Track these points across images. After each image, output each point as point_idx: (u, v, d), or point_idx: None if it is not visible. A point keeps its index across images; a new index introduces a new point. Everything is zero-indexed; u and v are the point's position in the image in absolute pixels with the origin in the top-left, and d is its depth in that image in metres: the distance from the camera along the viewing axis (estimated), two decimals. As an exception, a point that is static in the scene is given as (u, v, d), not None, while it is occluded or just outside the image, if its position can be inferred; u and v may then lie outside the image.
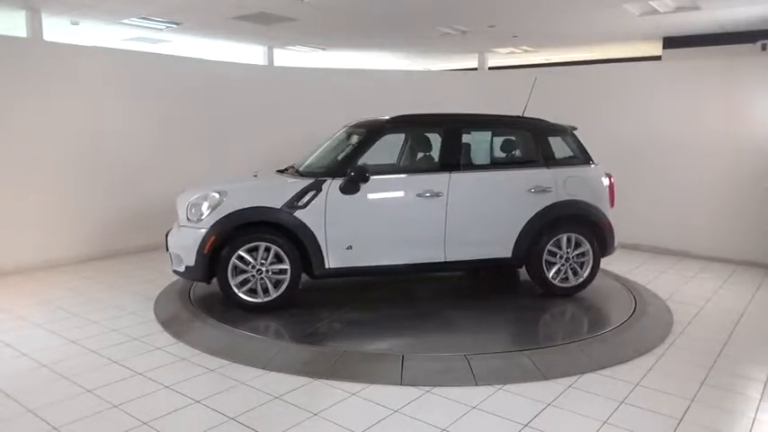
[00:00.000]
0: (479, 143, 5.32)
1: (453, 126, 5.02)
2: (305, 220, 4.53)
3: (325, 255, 4.61)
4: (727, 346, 4.22)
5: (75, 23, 7.51)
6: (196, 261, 4.49)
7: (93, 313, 4.76)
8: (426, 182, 4.78)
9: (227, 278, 4.49)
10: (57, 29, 7.64)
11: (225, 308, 4.67)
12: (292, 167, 5.16)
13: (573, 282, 5.05)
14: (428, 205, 4.73)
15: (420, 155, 5.45)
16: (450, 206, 4.75)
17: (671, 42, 8.60)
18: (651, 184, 7.28)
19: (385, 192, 4.76)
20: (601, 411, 3.20)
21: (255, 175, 5.23)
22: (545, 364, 3.72)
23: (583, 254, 5.03)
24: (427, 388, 3.44)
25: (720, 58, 7.33)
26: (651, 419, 3.13)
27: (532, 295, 5.17)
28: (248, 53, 10.03)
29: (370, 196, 4.68)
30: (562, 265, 4.99)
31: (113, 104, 6.79)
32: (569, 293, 5.06)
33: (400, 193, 4.79)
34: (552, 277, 5.00)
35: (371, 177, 4.62)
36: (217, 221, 4.47)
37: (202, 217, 4.53)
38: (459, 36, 8.41)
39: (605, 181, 5.20)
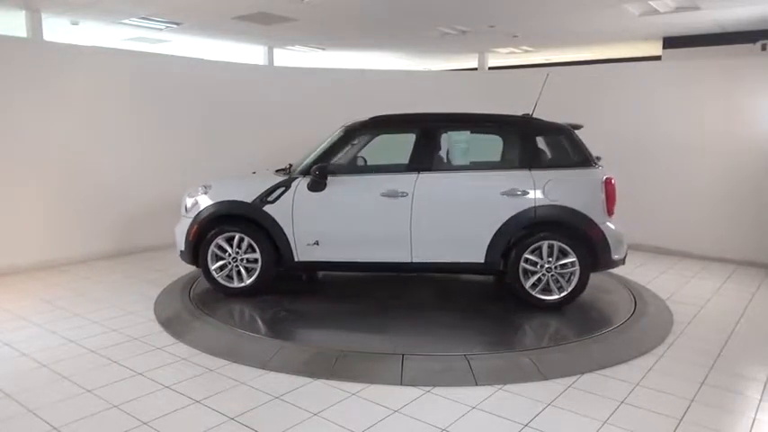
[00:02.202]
0: (456, 143, 5.22)
1: (427, 126, 4.97)
2: (274, 215, 4.80)
3: (293, 248, 4.83)
4: (727, 346, 4.22)
5: (75, 23, 7.50)
6: (185, 246, 5.01)
7: (93, 313, 4.76)
8: (391, 182, 4.76)
9: (206, 263, 4.94)
10: (57, 29, 7.64)
11: (225, 308, 4.72)
12: (290, 167, 5.22)
13: (556, 294, 4.63)
14: (392, 205, 4.71)
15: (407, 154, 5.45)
16: (416, 207, 4.68)
17: (671, 42, 8.59)
18: (651, 183, 7.28)
19: (349, 191, 4.81)
20: (601, 411, 3.20)
21: (254, 173, 5.44)
22: (545, 364, 3.72)
23: (569, 264, 4.61)
24: (427, 388, 3.45)
25: (720, 58, 7.33)
26: (651, 419, 3.13)
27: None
28: (248, 53, 10.02)
29: (336, 194, 4.78)
30: (542, 275, 4.62)
31: (114, 104, 6.79)
32: (550, 307, 4.64)
33: (364, 193, 4.78)
34: (531, 287, 4.64)
35: (340, 177, 4.81)
36: (198, 212, 4.95)
37: (192, 208, 5.01)
38: (459, 36, 8.40)
39: (600, 185, 4.66)
